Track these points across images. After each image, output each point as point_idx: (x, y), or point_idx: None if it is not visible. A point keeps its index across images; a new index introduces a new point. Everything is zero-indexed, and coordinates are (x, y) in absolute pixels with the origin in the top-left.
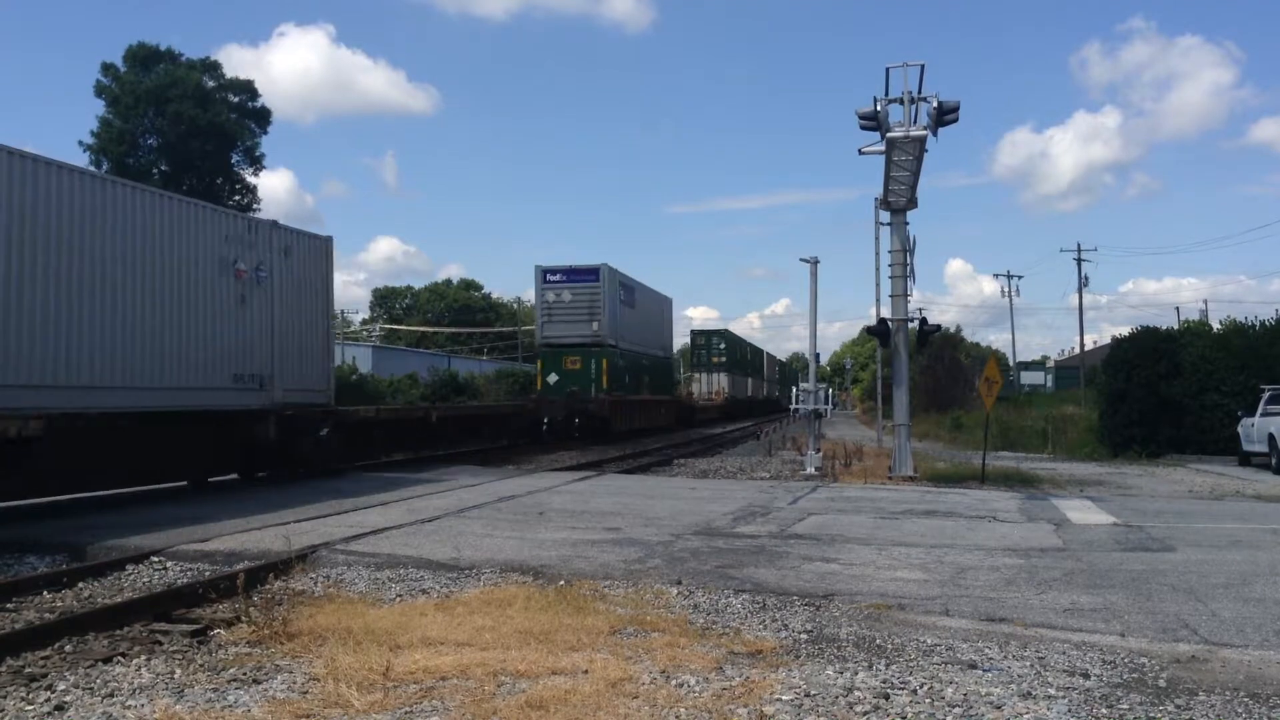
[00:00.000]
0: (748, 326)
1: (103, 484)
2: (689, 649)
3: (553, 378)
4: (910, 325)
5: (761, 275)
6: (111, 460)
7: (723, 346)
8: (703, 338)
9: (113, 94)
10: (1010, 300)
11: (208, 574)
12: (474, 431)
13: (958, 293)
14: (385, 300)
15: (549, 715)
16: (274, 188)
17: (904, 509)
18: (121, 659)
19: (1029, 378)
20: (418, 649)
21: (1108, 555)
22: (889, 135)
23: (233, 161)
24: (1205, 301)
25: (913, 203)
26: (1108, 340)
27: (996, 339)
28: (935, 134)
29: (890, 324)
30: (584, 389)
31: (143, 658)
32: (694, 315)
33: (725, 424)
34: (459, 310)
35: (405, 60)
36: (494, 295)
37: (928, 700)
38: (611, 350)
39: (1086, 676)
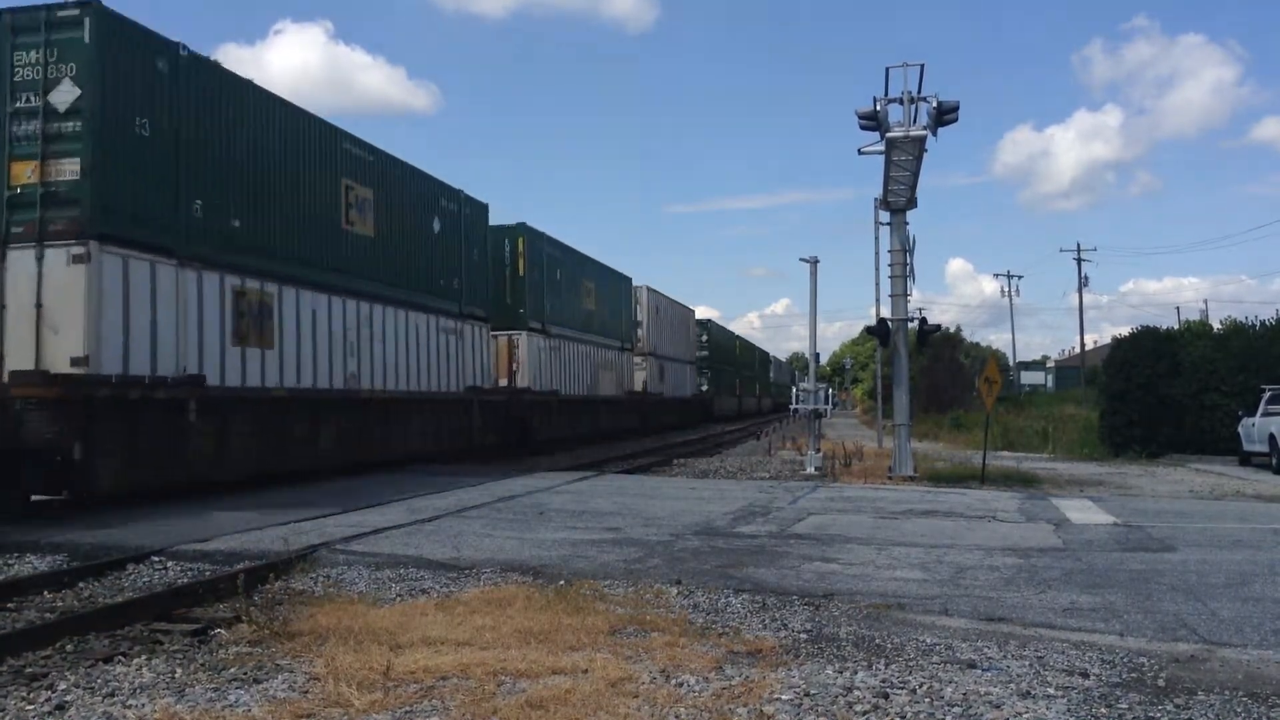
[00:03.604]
0: (748, 326)
1: None
2: (689, 648)
3: None
4: (910, 325)
5: (761, 275)
6: None
7: (371, 201)
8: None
9: None
10: (1010, 300)
11: (208, 574)
12: None
13: (958, 293)
14: None
15: (549, 715)
16: None
17: (904, 509)
18: (122, 659)
19: (1029, 378)
20: (418, 648)
21: (1107, 555)
22: (888, 135)
23: None
24: (1206, 301)
25: (912, 203)
26: (1108, 340)
27: (996, 339)
28: (935, 134)
29: (890, 324)
30: None
31: (143, 657)
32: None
33: None
34: None
35: (405, 57)
36: None
37: (927, 700)
38: None
39: (1086, 676)
